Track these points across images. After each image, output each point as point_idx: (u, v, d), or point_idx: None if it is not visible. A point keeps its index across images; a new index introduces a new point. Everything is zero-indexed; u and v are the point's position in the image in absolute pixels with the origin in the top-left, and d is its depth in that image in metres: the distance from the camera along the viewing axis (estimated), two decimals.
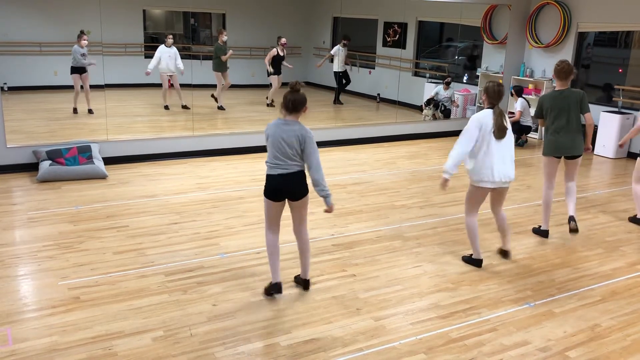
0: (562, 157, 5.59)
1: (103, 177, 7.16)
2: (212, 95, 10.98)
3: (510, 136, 4.71)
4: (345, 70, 12.04)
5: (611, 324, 4.15)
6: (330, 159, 8.60)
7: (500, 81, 4.84)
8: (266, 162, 4.15)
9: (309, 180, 4.12)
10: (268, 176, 4.14)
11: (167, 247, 5.18)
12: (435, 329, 3.96)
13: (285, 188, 4.11)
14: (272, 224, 4.26)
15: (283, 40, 10.89)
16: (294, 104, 4.05)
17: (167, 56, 10.33)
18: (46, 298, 4.19)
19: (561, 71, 5.41)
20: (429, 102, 11.11)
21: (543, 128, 5.74)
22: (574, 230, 5.60)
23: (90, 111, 9.48)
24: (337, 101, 12.15)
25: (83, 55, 9.15)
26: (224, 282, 4.53)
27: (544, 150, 5.63)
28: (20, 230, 5.49)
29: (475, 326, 4.02)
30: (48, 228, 5.53)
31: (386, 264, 4.99)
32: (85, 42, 9.07)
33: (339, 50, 11.81)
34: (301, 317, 4.05)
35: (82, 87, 9.36)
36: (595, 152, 9.49)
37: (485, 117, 4.65)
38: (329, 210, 4.18)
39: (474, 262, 5.01)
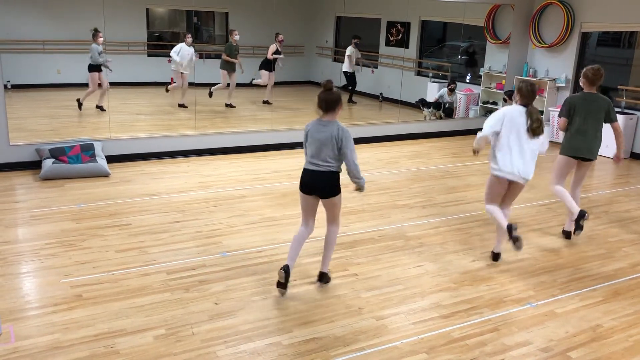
0: (577, 160, 5.63)
1: (106, 175, 7.17)
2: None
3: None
4: (354, 72, 12.01)
5: (613, 324, 4.14)
6: None
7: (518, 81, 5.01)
8: (306, 157, 4.27)
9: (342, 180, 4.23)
10: (303, 169, 4.25)
11: (170, 245, 5.19)
12: (437, 329, 3.96)
13: (315, 185, 4.20)
14: (305, 216, 4.36)
15: (280, 37, 10.90)
16: (327, 104, 4.09)
17: (186, 54, 10.37)
18: (48, 296, 4.20)
19: (597, 78, 5.49)
20: (427, 104, 11.09)
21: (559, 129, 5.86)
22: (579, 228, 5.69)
23: (102, 108, 9.45)
24: (350, 101, 12.18)
25: (101, 53, 9.14)
26: (225, 281, 4.53)
27: (561, 150, 5.69)
28: (23, 227, 5.51)
29: (477, 326, 4.02)
30: (51, 226, 5.54)
31: (388, 264, 4.99)
32: (102, 39, 9.07)
33: (352, 51, 11.82)
34: (303, 316, 4.05)
35: (99, 84, 9.33)
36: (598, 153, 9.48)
37: (513, 111, 4.81)
38: (358, 189, 4.30)
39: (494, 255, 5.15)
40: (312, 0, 13.41)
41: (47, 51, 10.06)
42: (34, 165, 7.25)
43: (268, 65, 11.02)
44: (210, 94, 10.80)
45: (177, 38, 11.04)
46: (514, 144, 4.79)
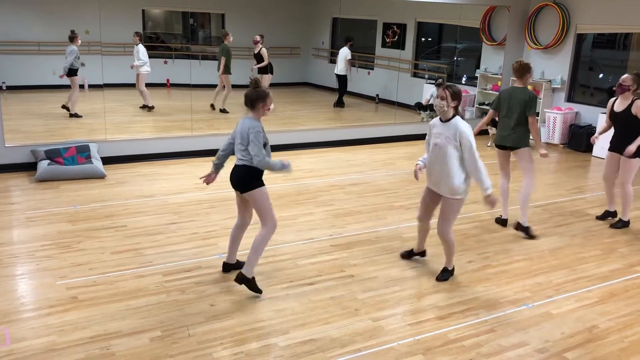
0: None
1: (101, 176, 7.15)
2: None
3: None
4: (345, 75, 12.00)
5: (609, 325, 4.15)
6: (329, 160, 8.61)
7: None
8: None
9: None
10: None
11: (165, 247, 5.18)
12: (433, 330, 3.96)
13: (232, 179, 4.28)
14: (238, 211, 4.54)
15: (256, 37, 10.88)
16: (245, 99, 4.21)
17: (135, 53, 10.30)
18: (44, 298, 4.19)
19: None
20: (420, 106, 11.11)
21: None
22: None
23: (68, 109, 9.41)
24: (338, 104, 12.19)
25: (78, 57, 9.14)
26: (221, 282, 4.52)
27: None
28: (18, 229, 5.49)
29: (473, 327, 4.03)
30: (46, 227, 5.52)
31: (384, 265, 4.99)
32: (80, 41, 9.11)
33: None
34: (299, 318, 4.05)
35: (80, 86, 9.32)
36: (593, 154, 9.50)
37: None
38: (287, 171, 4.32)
39: (452, 272, 4.81)
40: (308, 1, 13.43)
41: (42, 52, 10.05)
42: (29, 167, 7.23)
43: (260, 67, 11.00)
44: (223, 110, 10.80)
45: (173, 39, 11.00)
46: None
